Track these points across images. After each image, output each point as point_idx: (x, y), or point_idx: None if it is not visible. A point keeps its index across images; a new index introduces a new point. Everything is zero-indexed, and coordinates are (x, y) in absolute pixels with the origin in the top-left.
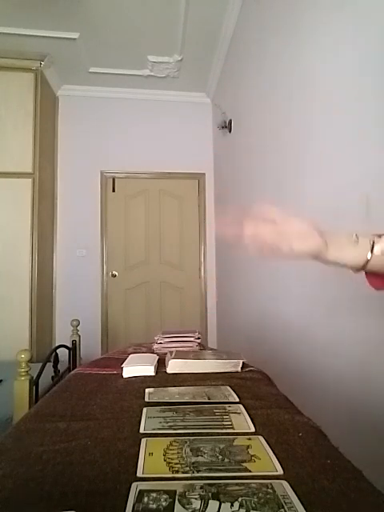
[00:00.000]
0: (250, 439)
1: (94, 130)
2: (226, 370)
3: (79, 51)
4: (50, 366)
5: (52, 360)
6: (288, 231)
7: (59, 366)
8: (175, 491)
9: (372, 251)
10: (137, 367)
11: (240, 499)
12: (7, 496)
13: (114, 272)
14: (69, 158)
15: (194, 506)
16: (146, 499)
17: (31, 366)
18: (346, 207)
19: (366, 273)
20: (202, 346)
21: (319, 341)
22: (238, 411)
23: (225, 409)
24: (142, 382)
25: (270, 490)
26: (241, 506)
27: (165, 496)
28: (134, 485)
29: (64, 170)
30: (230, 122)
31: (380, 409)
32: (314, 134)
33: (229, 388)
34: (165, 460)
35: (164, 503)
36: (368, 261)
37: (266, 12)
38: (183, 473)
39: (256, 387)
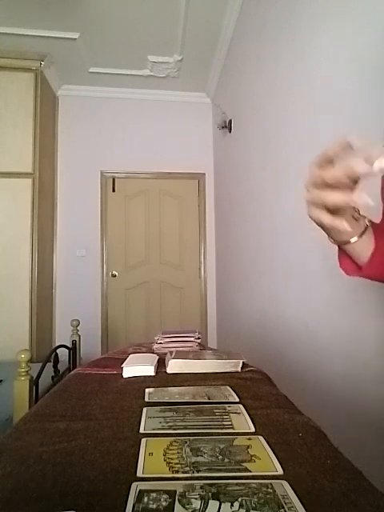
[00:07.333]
0: (250, 439)
1: (94, 130)
2: (226, 370)
3: (79, 51)
4: (50, 366)
5: (52, 360)
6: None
7: (59, 366)
8: (175, 491)
9: (361, 235)
10: (137, 367)
11: (240, 499)
12: (7, 496)
13: (113, 272)
14: (69, 158)
15: (193, 506)
16: (146, 499)
17: (31, 366)
18: None
19: (340, 254)
20: (202, 346)
21: (319, 341)
22: (238, 411)
23: (225, 409)
24: (142, 382)
25: (270, 490)
26: (241, 506)
27: (165, 496)
28: (133, 485)
29: (64, 170)
30: (230, 121)
31: (380, 409)
32: (315, 134)
33: (229, 388)
34: (165, 460)
35: (164, 503)
36: (353, 242)
37: (266, 12)
38: (183, 473)
39: (256, 387)
